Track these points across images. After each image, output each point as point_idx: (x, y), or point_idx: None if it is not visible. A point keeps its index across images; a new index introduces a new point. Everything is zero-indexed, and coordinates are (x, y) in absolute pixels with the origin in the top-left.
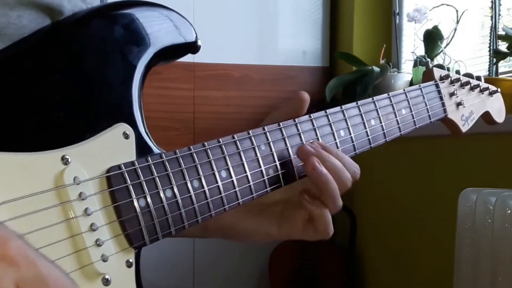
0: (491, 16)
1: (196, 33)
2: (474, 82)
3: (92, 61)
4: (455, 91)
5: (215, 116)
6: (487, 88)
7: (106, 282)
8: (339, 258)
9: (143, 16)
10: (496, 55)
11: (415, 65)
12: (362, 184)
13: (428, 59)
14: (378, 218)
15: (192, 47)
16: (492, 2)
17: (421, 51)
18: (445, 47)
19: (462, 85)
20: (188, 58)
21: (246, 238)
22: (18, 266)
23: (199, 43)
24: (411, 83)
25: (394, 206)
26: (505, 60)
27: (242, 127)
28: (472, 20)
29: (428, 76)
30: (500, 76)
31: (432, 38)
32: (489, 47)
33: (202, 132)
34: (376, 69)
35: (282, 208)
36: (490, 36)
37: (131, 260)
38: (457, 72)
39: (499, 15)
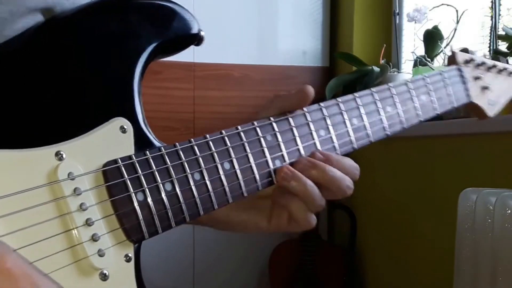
0: (491, 16)
1: (199, 25)
2: (501, 65)
3: (89, 55)
4: (480, 75)
5: (215, 116)
6: None
7: (104, 277)
8: (339, 258)
9: (143, 8)
10: (496, 55)
11: (415, 65)
12: (362, 184)
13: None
14: (378, 218)
15: (195, 39)
16: (492, 2)
17: (421, 51)
18: (445, 47)
19: (489, 69)
20: (188, 58)
21: (236, 230)
22: (15, 278)
23: (202, 33)
24: None
25: (394, 206)
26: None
27: None
28: (472, 20)
29: (451, 60)
30: None
31: (432, 38)
32: (489, 47)
33: (202, 132)
34: (376, 69)
35: (271, 202)
36: (490, 36)
37: (130, 255)
38: (484, 55)
39: (499, 15)
